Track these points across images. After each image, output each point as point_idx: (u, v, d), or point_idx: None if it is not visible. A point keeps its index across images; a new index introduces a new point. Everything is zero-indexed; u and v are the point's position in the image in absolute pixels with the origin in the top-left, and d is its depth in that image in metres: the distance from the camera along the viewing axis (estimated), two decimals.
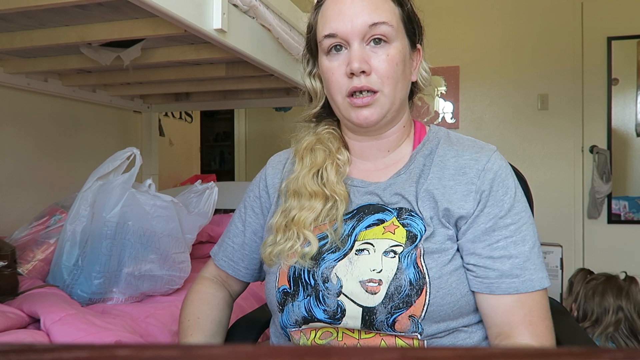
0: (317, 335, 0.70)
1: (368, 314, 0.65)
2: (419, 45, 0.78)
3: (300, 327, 0.71)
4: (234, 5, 1.13)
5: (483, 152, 0.73)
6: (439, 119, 3.28)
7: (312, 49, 0.78)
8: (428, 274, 0.65)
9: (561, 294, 2.29)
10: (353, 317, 0.66)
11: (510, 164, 0.78)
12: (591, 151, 2.99)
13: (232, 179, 3.85)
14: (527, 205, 0.72)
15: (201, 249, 1.67)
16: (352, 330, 0.68)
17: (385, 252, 0.67)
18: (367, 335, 0.67)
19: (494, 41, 3.16)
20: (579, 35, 3.03)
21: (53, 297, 1.01)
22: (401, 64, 0.71)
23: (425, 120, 3.28)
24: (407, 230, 0.69)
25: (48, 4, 0.97)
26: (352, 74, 0.69)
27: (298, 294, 0.70)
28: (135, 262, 1.12)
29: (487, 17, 3.18)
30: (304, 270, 0.71)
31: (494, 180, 0.70)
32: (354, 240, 0.70)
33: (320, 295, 0.68)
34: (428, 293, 0.65)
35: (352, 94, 0.71)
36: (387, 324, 0.65)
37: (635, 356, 0.17)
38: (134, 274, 1.12)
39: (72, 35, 1.22)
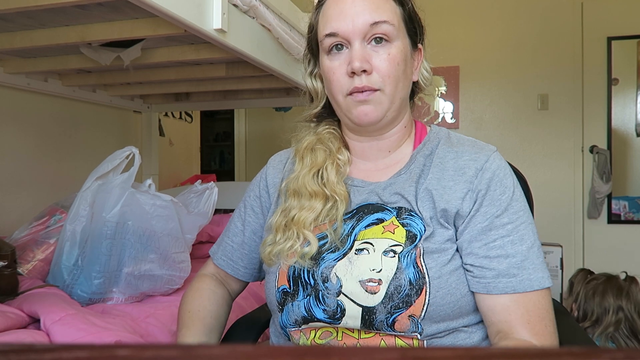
0: (317, 335, 0.70)
1: (368, 313, 0.65)
2: (420, 45, 0.78)
3: (300, 326, 0.71)
4: (234, 5, 1.13)
5: (482, 152, 0.73)
6: (439, 119, 3.28)
7: (313, 48, 0.78)
8: (428, 274, 0.65)
9: (561, 294, 2.29)
10: (353, 316, 0.66)
11: (510, 164, 0.78)
12: (591, 151, 2.99)
13: (232, 179, 3.85)
14: (526, 204, 0.72)
15: (201, 249, 1.67)
16: (352, 330, 0.68)
17: (385, 252, 0.67)
18: (367, 335, 0.67)
19: (494, 41, 3.16)
20: (579, 35, 3.03)
21: (53, 297, 1.01)
22: (402, 63, 0.71)
23: (425, 120, 3.28)
24: (406, 230, 0.69)
25: (48, 4, 0.97)
26: (353, 73, 0.69)
27: (298, 294, 0.70)
28: (135, 262, 1.12)
29: (487, 17, 3.18)
30: (303, 270, 0.71)
31: (491, 180, 0.69)
32: (354, 240, 0.70)
33: (320, 295, 0.68)
34: (428, 293, 0.65)
35: (353, 93, 0.71)
36: (387, 324, 0.65)
37: (635, 356, 0.17)
38: (134, 274, 1.12)
39: (72, 35, 1.22)
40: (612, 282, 1.58)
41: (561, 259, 2.32)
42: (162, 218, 1.16)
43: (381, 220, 0.71)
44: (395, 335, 0.66)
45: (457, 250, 0.69)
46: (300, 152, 0.79)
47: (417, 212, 0.70)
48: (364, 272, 0.67)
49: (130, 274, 1.12)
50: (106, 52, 1.35)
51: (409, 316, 0.64)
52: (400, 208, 0.71)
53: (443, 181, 0.71)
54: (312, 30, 0.77)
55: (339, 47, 0.72)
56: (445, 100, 3.28)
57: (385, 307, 0.65)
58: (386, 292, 0.65)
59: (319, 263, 0.70)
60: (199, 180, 1.43)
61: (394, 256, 0.67)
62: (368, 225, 0.71)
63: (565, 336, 0.80)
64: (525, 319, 0.65)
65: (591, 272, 1.70)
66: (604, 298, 1.54)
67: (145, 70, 1.67)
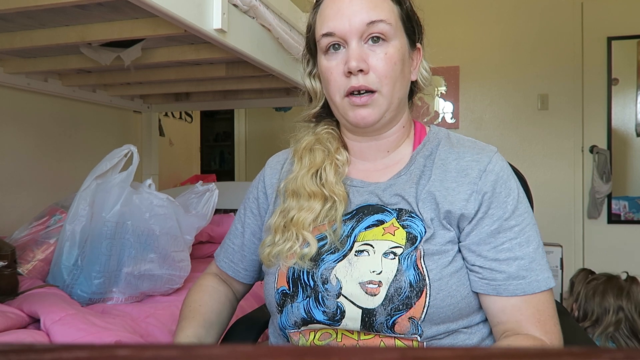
0: (317, 337, 0.70)
1: (367, 315, 0.65)
2: (418, 45, 0.77)
3: (299, 328, 0.71)
4: (234, 5, 1.13)
5: (484, 153, 0.72)
6: (439, 119, 3.28)
7: (312, 48, 0.78)
8: (428, 276, 0.65)
9: (561, 294, 2.29)
10: (352, 318, 0.66)
11: (510, 164, 0.78)
12: (591, 151, 2.99)
13: (232, 179, 3.85)
14: (529, 206, 0.72)
15: (201, 249, 1.67)
16: (352, 331, 0.68)
17: (385, 254, 0.67)
18: (367, 337, 0.67)
19: (493, 41, 3.16)
20: (579, 35, 3.03)
21: (53, 297, 1.01)
22: (400, 63, 0.71)
23: (425, 120, 3.28)
24: (407, 232, 0.68)
25: (48, 4, 0.97)
26: (350, 72, 0.69)
27: (297, 295, 0.70)
28: (135, 261, 1.12)
29: (487, 17, 3.18)
30: (303, 272, 0.70)
31: (496, 182, 0.69)
32: (353, 241, 0.70)
33: (320, 296, 0.68)
34: (428, 295, 0.64)
35: (350, 93, 0.70)
36: (387, 326, 0.65)
37: (635, 356, 0.17)
38: (134, 274, 1.12)
39: (72, 35, 1.22)
40: (613, 282, 1.58)
41: (561, 259, 2.32)
42: (160, 217, 1.16)
43: (381, 222, 0.70)
44: (395, 337, 0.66)
45: (458, 251, 0.69)
46: (298, 152, 0.79)
47: (418, 213, 0.70)
48: (364, 274, 0.66)
49: (130, 273, 1.12)
50: (106, 52, 1.35)
51: (409, 318, 0.64)
52: (400, 209, 0.71)
53: (446, 183, 0.71)
54: (310, 30, 0.77)
55: (336, 46, 0.71)
56: (445, 100, 3.28)
57: (385, 309, 0.64)
58: (386, 294, 0.65)
59: (319, 264, 0.70)
60: (200, 181, 1.43)
61: (394, 258, 0.67)
62: (368, 227, 0.71)
63: (565, 336, 0.80)
64: (535, 317, 0.66)
65: (592, 272, 1.70)
66: (604, 298, 1.54)
67: (145, 70, 1.67)
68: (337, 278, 0.68)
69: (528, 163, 3.07)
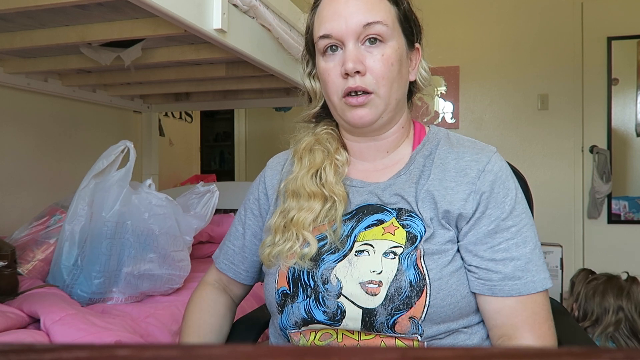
0: (317, 337, 0.70)
1: (368, 315, 0.65)
2: (417, 45, 0.77)
3: (299, 328, 0.71)
4: (234, 5, 1.13)
5: (483, 153, 0.72)
6: (439, 119, 3.28)
7: (310, 50, 0.78)
8: (428, 275, 0.65)
9: (561, 294, 2.29)
10: (353, 318, 0.66)
11: (509, 164, 0.78)
12: (591, 151, 2.99)
13: (232, 179, 3.85)
14: (527, 206, 0.72)
15: (201, 249, 1.67)
16: (352, 331, 0.68)
17: (385, 254, 0.67)
18: (367, 337, 0.67)
19: (493, 41, 3.16)
20: (579, 35, 3.03)
21: (53, 297, 1.01)
22: (397, 63, 0.71)
23: (425, 120, 3.28)
24: (406, 231, 0.68)
25: (48, 4, 0.97)
26: (347, 74, 0.69)
27: (297, 296, 0.70)
28: (135, 261, 1.12)
29: (487, 17, 3.18)
30: (303, 272, 0.70)
31: (494, 182, 0.69)
32: (354, 241, 0.70)
33: (320, 296, 0.68)
34: (428, 294, 0.64)
35: (347, 94, 0.70)
36: (387, 326, 0.65)
37: (635, 356, 0.17)
38: (134, 274, 1.12)
39: (72, 35, 1.22)
40: (613, 282, 1.58)
41: (561, 259, 2.32)
42: (159, 217, 1.16)
43: (381, 222, 0.70)
44: (395, 337, 0.66)
45: (457, 251, 0.69)
46: (298, 152, 0.79)
47: (417, 213, 0.70)
48: (364, 274, 0.66)
49: (129, 273, 1.12)
50: (106, 52, 1.35)
51: (410, 318, 0.64)
52: (400, 209, 0.71)
53: (445, 182, 0.71)
54: (309, 31, 0.77)
55: (333, 48, 0.71)
56: (445, 100, 3.28)
57: (385, 309, 0.64)
58: (386, 294, 0.65)
59: (319, 265, 0.70)
60: (201, 182, 1.43)
61: (394, 258, 0.67)
62: (368, 227, 0.71)
63: (565, 336, 0.80)
64: (530, 321, 0.66)
65: (592, 272, 1.70)
66: (604, 298, 1.54)
67: (145, 70, 1.68)
68: (337, 278, 0.68)
69: (528, 163, 3.07)
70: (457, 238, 0.70)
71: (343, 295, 0.67)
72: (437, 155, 0.74)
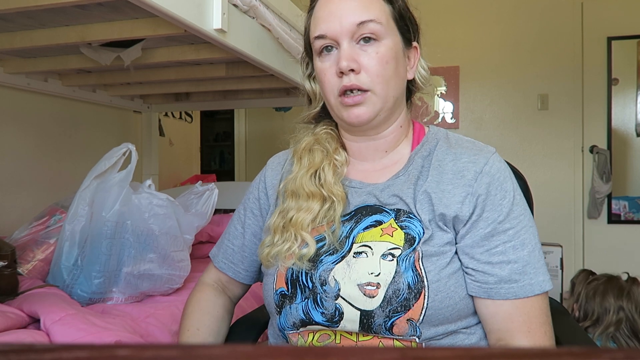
0: (315, 338, 0.70)
1: (366, 317, 0.65)
2: (415, 43, 0.77)
3: (298, 329, 0.71)
4: (234, 5, 1.13)
5: (481, 154, 0.72)
6: (439, 119, 3.28)
7: (309, 51, 0.79)
8: (426, 277, 0.65)
9: (561, 294, 2.29)
10: (351, 320, 0.66)
11: (509, 164, 0.78)
12: (591, 151, 2.99)
13: (232, 179, 3.85)
14: (527, 207, 0.71)
15: (201, 249, 1.67)
16: (350, 333, 0.68)
17: (384, 255, 0.67)
18: (365, 338, 0.67)
19: (493, 41, 3.16)
20: (579, 35, 3.03)
21: (53, 297, 1.01)
22: (392, 61, 0.71)
23: (425, 120, 3.28)
24: (405, 233, 0.68)
25: (48, 4, 0.97)
26: (342, 73, 0.69)
27: (296, 297, 0.70)
28: (135, 261, 1.12)
29: (487, 17, 3.18)
30: (301, 273, 0.70)
31: (491, 184, 0.69)
32: (352, 243, 0.70)
33: (318, 298, 0.68)
34: (426, 297, 0.64)
35: (343, 93, 0.71)
36: (385, 328, 0.64)
37: (635, 356, 0.17)
38: (133, 273, 1.12)
39: (72, 35, 1.22)
40: (613, 282, 1.58)
41: (561, 259, 2.32)
42: (159, 217, 1.16)
43: (379, 223, 0.70)
44: (393, 339, 0.66)
45: (456, 253, 0.69)
46: (298, 152, 0.79)
47: (416, 214, 0.69)
48: (363, 276, 0.66)
49: (129, 273, 1.12)
50: (106, 52, 1.35)
51: (408, 320, 0.64)
52: (398, 210, 0.71)
53: (442, 184, 0.70)
54: (306, 33, 0.78)
55: (329, 48, 0.72)
56: (445, 100, 3.28)
57: (383, 311, 0.64)
58: (384, 296, 0.64)
59: (317, 266, 0.70)
60: (200, 182, 1.43)
61: (393, 260, 0.66)
62: (366, 228, 0.70)
63: (565, 336, 0.80)
64: (526, 326, 0.65)
65: (593, 273, 1.70)
66: (604, 298, 1.55)
67: (145, 70, 1.67)
68: (335, 280, 0.68)
69: (528, 163, 3.07)
70: (455, 240, 0.69)
71: (341, 296, 0.67)
72: (435, 156, 0.73)
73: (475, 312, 0.69)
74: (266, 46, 1.31)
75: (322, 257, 0.70)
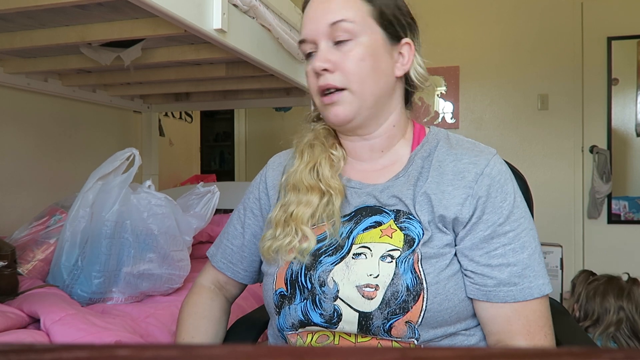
0: (314, 339, 0.70)
1: (364, 319, 0.65)
2: (407, 39, 0.75)
3: (296, 330, 0.71)
4: (234, 5, 1.13)
5: (482, 155, 0.71)
6: (439, 119, 3.28)
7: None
8: (425, 280, 0.65)
9: (561, 294, 2.29)
10: (349, 321, 0.66)
11: (510, 164, 0.77)
12: (591, 151, 2.99)
13: (232, 179, 3.85)
14: (527, 210, 0.71)
15: (201, 249, 1.67)
16: (349, 334, 0.67)
17: (383, 257, 0.67)
18: (364, 339, 0.67)
19: (493, 41, 3.16)
20: (579, 35, 3.03)
21: (53, 297, 1.01)
22: (369, 59, 0.71)
23: (425, 120, 3.28)
24: (404, 234, 0.68)
25: (48, 4, 0.97)
26: (318, 73, 0.71)
27: (295, 297, 0.70)
28: (134, 261, 1.12)
29: (487, 17, 3.18)
30: (301, 274, 0.70)
31: (491, 186, 0.68)
32: (351, 244, 0.70)
33: (317, 299, 0.68)
34: (425, 299, 0.64)
35: (323, 93, 0.72)
36: (384, 330, 0.64)
37: (635, 356, 0.17)
38: (133, 273, 1.12)
39: (72, 35, 1.22)
40: (614, 282, 1.58)
41: (561, 259, 2.32)
42: (158, 217, 1.16)
43: (379, 224, 0.70)
44: (392, 340, 0.65)
45: (455, 254, 0.68)
46: (299, 148, 0.80)
47: (415, 215, 0.69)
48: (361, 277, 0.66)
49: (129, 273, 1.12)
50: (106, 52, 1.35)
51: (406, 322, 0.64)
52: (398, 211, 0.70)
53: (442, 186, 0.70)
54: None
55: (313, 52, 0.74)
56: (445, 100, 3.28)
57: (382, 313, 0.64)
58: (383, 298, 0.64)
59: (316, 267, 0.70)
60: (202, 182, 1.43)
61: (392, 261, 0.66)
62: (366, 229, 0.70)
63: (565, 336, 0.80)
64: (525, 329, 0.65)
65: (593, 274, 1.70)
66: (604, 298, 1.55)
67: (145, 70, 1.68)
68: (334, 281, 0.67)
69: (528, 163, 3.07)
70: (455, 242, 0.69)
71: (340, 298, 0.66)
72: (436, 157, 0.73)
73: (475, 314, 0.69)
74: (266, 46, 1.31)
75: (321, 258, 0.70)
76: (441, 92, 3.27)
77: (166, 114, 2.85)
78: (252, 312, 1.02)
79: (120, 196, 1.11)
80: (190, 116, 3.19)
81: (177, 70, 1.66)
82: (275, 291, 0.72)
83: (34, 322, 0.96)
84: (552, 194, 3.01)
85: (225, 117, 4.66)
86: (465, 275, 0.68)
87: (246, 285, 0.92)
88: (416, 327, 0.64)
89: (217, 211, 1.48)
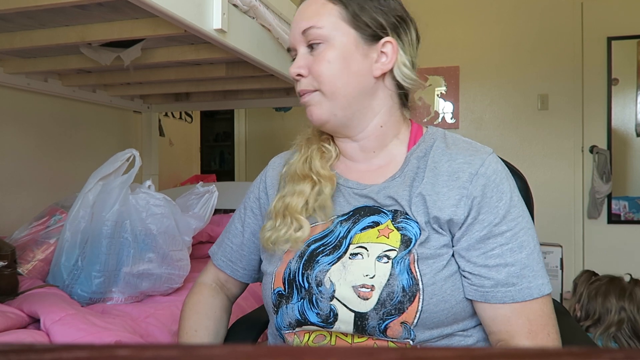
0: (311, 338, 0.70)
1: (360, 319, 0.65)
2: (388, 38, 0.73)
3: (293, 329, 0.71)
4: (234, 5, 1.13)
5: (477, 155, 0.70)
6: (439, 119, 3.28)
7: None
8: (422, 280, 0.64)
9: (561, 294, 2.29)
10: (345, 321, 0.66)
11: (510, 165, 0.77)
12: (591, 151, 2.99)
13: (232, 179, 3.85)
14: (525, 209, 0.70)
15: (201, 249, 1.67)
16: (346, 334, 0.68)
17: (379, 257, 0.67)
18: (360, 340, 0.67)
19: (493, 41, 3.16)
20: (579, 35, 3.03)
21: (53, 297, 1.01)
22: (338, 60, 0.71)
23: (425, 120, 3.28)
24: (401, 234, 0.68)
25: (48, 4, 0.97)
26: (294, 78, 0.75)
27: (292, 297, 0.70)
28: (134, 260, 1.12)
29: (487, 17, 3.18)
30: (298, 273, 0.71)
31: (486, 186, 0.67)
32: (349, 244, 0.70)
33: (314, 298, 0.68)
34: (421, 300, 0.64)
35: (302, 97, 0.76)
36: (379, 330, 0.64)
37: (636, 356, 0.17)
38: (133, 273, 1.12)
39: (72, 35, 1.22)
40: (616, 283, 1.58)
41: (561, 259, 2.32)
42: (156, 216, 1.16)
43: (377, 224, 0.70)
44: (387, 341, 0.65)
45: (453, 255, 0.68)
46: (299, 143, 0.82)
47: (412, 216, 0.69)
48: (357, 278, 0.66)
49: (129, 273, 1.12)
50: (106, 52, 1.35)
51: (402, 323, 0.64)
52: (396, 211, 0.70)
53: (437, 187, 0.69)
54: None
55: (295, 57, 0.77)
56: (445, 100, 3.28)
57: (377, 314, 0.64)
58: (378, 299, 0.64)
59: (314, 266, 0.70)
60: (201, 182, 1.43)
61: (388, 262, 0.66)
62: (364, 229, 0.70)
63: (565, 336, 0.80)
64: (526, 328, 0.64)
65: (595, 274, 1.70)
66: (606, 298, 1.55)
67: (145, 70, 1.67)
68: (331, 281, 0.67)
69: (528, 163, 3.07)
70: (452, 243, 0.69)
71: (336, 298, 0.66)
72: (431, 157, 0.72)
73: (472, 315, 0.69)
74: (266, 46, 1.31)
75: (319, 257, 0.70)
76: (441, 92, 3.27)
77: (166, 114, 2.85)
78: (252, 312, 1.02)
79: (121, 197, 1.11)
80: (190, 116, 3.19)
81: (177, 70, 1.66)
82: (274, 290, 0.73)
83: (34, 322, 0.96)
84: (552, 194, 3.01)
85: (225, 117, 4.67)
86: (463, 276, 0.67)
87: (247, 285, 0.92)
88: (412, 327, 0.64)
89: (217, 211, 1.48)
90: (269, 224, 0.77)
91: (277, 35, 1.34)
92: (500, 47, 3.15)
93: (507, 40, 3.14)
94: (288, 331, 0.72)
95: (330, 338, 0.69)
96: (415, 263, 0.65)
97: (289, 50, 0.79)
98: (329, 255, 0.70)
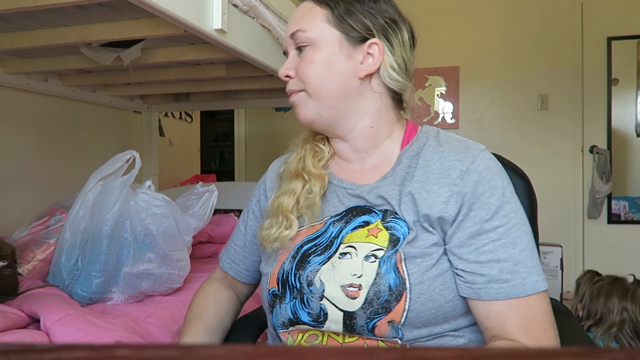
0: (304, 338, 0.71)
1: (348, 318, 0.65)
2: (374, 40, 0.73)
3: (287, 328, 0.72)
4: (234, 5, 1.13)
5: (469, 152, 0.70)
6: (439, 119, 3.28)
7: None
8: (409, 279, 0.64)
9: (561, 294, 2.29)
10: (335, 321, 0.66)
11: (513, 164, 0.77)
12: (591, 151, 2.99)
13: (232, 179, 3.85)
14: (519, 205, 0.69)
15: (201, 249, 1.67)
16: (337, 333, 0.68)
17: (367, 257, 0.67)
18: (351, 339, 0.67)
19: (493, 41, 3.16)
20: (579, 35, 3.03)
21: (53, 297, 1.01)
22: (322, 62, 0.72)
23: (425, 120, 3.28)
24: (390, 234, 0.68)
25: (48, 4, 0.97)
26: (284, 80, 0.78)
27: (285, 297, 0.72)
28: (134, 260, 1.12)
29: (487, 17, 3.18)
30: (291, 273, 0.72)
31: (478, 182, 0.67)
32: (340, 243, 0.70)
33: (305, 298, 0.69)
34: (408, 299, 0.63)
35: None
36: (367, 329, 0.65)
37: (636, 356, 0.17)
38: (133, 273, 1.12)
39: (72, 35, 1.22)
40: (618, 283, 1.58)
41: (561, 259, 2.32)
42: (156, 217, 1.16)
43: (367, 223, 0.71)
44: (377, 340, 0.66)
45: (443, 254, 0.68)
46: (296, 143, 0.83)
47: (401, 215, 0.69)
48: (346, 277, 0.67)
49: (129, 273, 1.12)
50: (106, 52, 1.35)
51: (389, 322, 0.64)
52: (386, 211, 0.71)
53: (427, 185, 0.69)
54: None
55: None
56: (445, 100, 3.28)
57: (365, 313, 0.64)
58: (366, 298, 0.64)
59: (305, 267, 0.71)
60: (201, 182, 1.43)
61: (375, 261, 0.66)
62: (355, 228, 0.71)
63: (565, 336, 0.80)
64: (521, 324, 0.63)
65: (598, 274, 1.70)
66: (608, 298, 1.54)
67: (145, 70, 1.68)
68: (321, 280, 0.68)
69: (528, 163, 3.07)
70: (444, 241, 0.68)
71: (325, 297, 0.67)
72: (423, 156, 0.72)
73: (464, 315, 0.68)
74: (266, 46, 1.31)
75: (310, 257, 0.71)
76: (441, 92, 3.27)
77: (166, 114, 2.85)
78: (252, 312, 1.02)
79: (121, 197, 1.11)
80: (190, 116, 3.19)
81: (177, 71, 1.66)
82: (269, 290, 0.74)
83: (34, 322, 0.96)
84: (552, 194, 3.01)
85: (225, 117, 4.67)
86: (456, 274, 0.67)
87: (256, 286, 0.94)
88: (399, 326, 0.64)
89: (217, 211, 1.48)
90: (267, 223, 0.79)
91: (277, 35, 1.34)
92: (500, 47, 3.15)
93: (507, 40, 3.14)
94: (282, 330, 0.73)
95: (323, 337, 0.70)
96: (403, 262, 0.65)
97: (284, 53, 0.81)
98: (320, 255, 0.71)
